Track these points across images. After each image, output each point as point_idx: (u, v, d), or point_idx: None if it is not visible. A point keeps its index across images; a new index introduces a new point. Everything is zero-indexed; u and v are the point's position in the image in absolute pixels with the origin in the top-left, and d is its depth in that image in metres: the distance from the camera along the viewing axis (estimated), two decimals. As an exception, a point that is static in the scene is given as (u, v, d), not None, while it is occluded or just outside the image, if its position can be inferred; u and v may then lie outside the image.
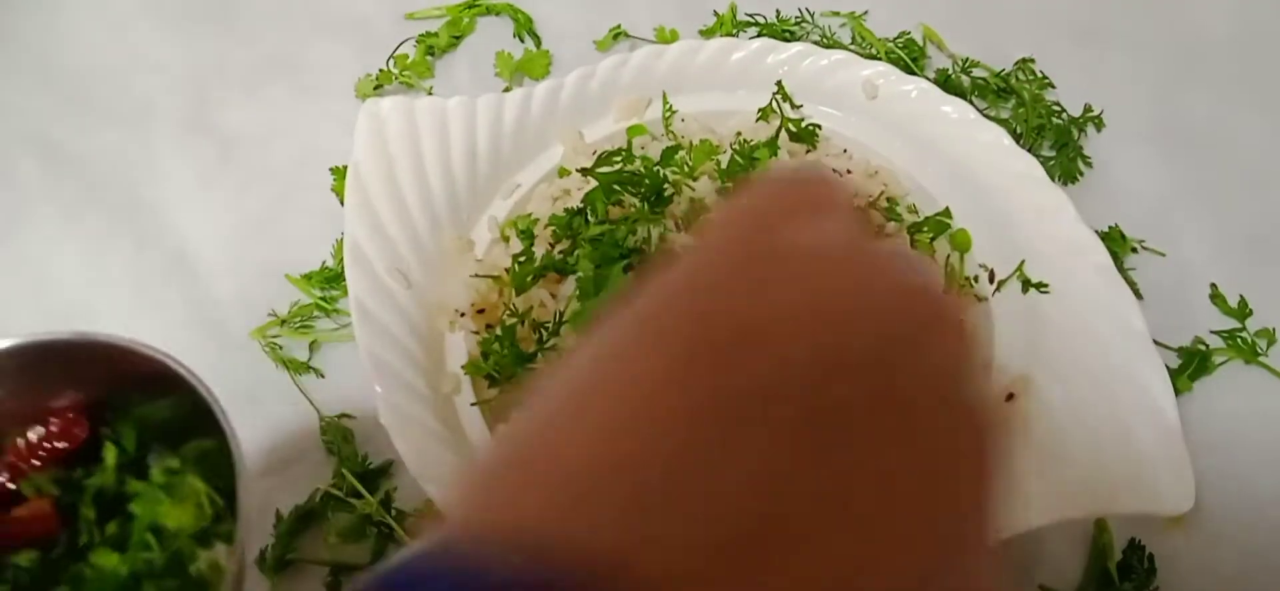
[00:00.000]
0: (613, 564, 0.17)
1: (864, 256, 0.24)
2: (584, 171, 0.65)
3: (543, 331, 0.58)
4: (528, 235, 0.65)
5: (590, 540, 0.18)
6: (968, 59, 0.82)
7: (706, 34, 0.83)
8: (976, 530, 0.22)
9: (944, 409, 0.22)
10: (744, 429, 0.19)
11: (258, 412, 0.66)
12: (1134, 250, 0.73)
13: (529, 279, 0.60)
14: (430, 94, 0.81)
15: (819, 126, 0.70)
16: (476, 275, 0.62)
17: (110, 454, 0.50)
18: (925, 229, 0.67)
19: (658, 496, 0.18)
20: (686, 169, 0.64)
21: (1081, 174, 0.77)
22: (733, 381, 0.20)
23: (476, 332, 0.62)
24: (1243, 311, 0.70)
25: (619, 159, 0.66)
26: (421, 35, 0.83)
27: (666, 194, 0.63)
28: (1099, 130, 0.80)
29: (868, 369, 0.21)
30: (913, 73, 0.74)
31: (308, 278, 0.70)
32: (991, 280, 0.64)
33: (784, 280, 0.22)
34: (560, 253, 0.62)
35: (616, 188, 0.62)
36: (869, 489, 0.20)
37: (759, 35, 0.81)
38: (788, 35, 0.81)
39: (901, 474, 0.20)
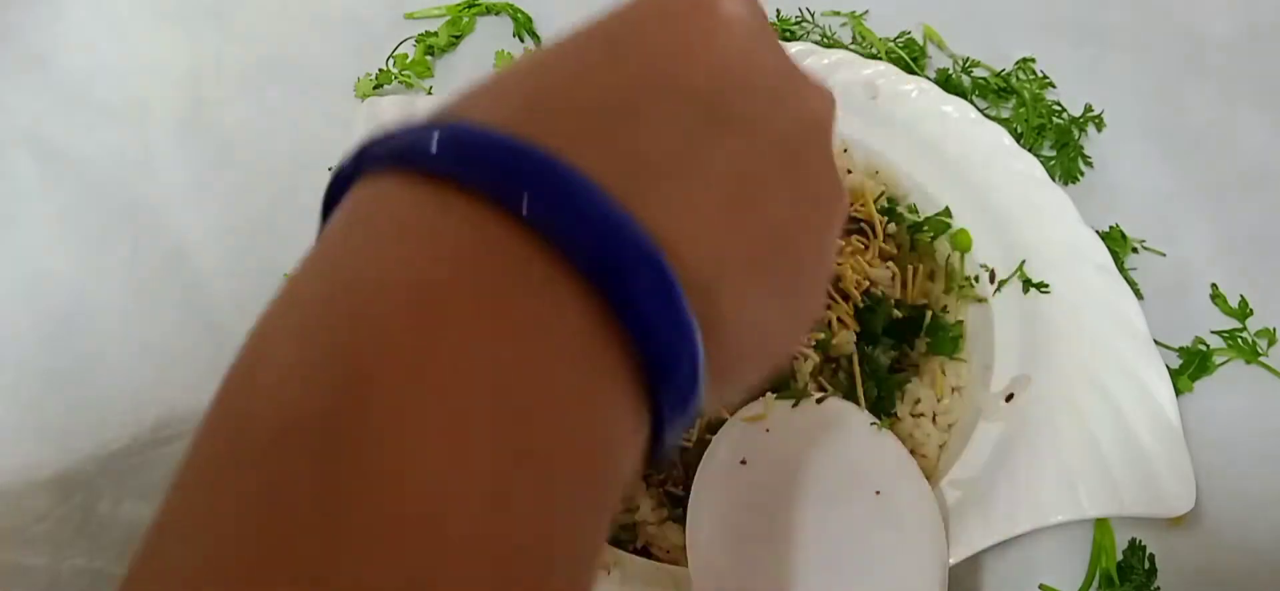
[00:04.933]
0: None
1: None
2: (583, 171, 0.65)
3: (542, 331, 0.57)
4: (527, 235, 0.64)
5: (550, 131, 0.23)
6: (968, 59, 0.82)
7: (706, 33, 0.83)
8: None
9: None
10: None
11: (256, 413, 0.66)
12: (1134, 250, 0.73)
13: (528, 279, 0.60)
14: (430, 94, 0.81)
15: (819, 126, 0.70)
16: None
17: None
18: (925, 229, 0.66)
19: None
20: (686, 168, 0.64)
21: (1081, 174, 0.77)
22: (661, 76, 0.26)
23: (476, 332, 0.61)
24: (1243, 311, 0.70)
25: (618, 158, 0.66)
26: (421, 35, 0.83)
27: (666, 193, 0.62)
28: (1099, 130, 0.80)
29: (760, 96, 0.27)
30: (913, 72, 0.74)
31: (306, 277, 0.70)
32: (991, 280, 0.64)
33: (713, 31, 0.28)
34: (560, 252, 0.61)
35: (616, 187, 0.62)
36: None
37: (758, 35, 0.81)
38: (788, 35, 0.81)
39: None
